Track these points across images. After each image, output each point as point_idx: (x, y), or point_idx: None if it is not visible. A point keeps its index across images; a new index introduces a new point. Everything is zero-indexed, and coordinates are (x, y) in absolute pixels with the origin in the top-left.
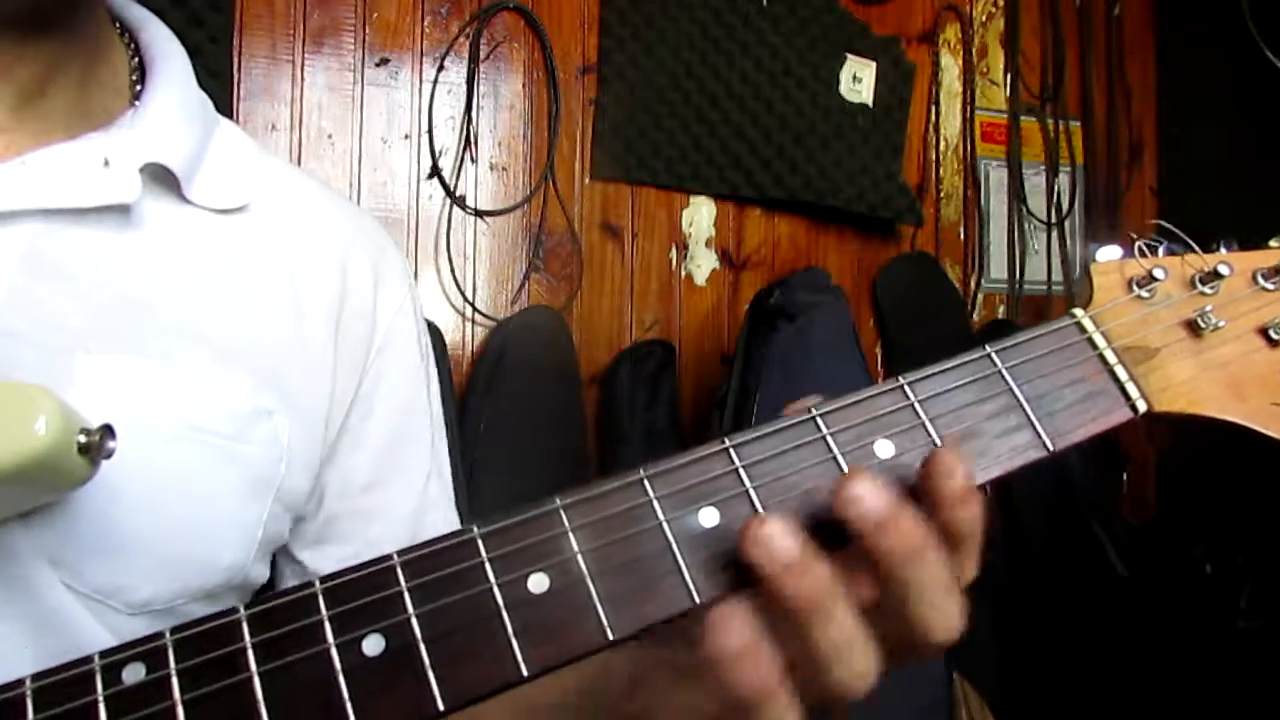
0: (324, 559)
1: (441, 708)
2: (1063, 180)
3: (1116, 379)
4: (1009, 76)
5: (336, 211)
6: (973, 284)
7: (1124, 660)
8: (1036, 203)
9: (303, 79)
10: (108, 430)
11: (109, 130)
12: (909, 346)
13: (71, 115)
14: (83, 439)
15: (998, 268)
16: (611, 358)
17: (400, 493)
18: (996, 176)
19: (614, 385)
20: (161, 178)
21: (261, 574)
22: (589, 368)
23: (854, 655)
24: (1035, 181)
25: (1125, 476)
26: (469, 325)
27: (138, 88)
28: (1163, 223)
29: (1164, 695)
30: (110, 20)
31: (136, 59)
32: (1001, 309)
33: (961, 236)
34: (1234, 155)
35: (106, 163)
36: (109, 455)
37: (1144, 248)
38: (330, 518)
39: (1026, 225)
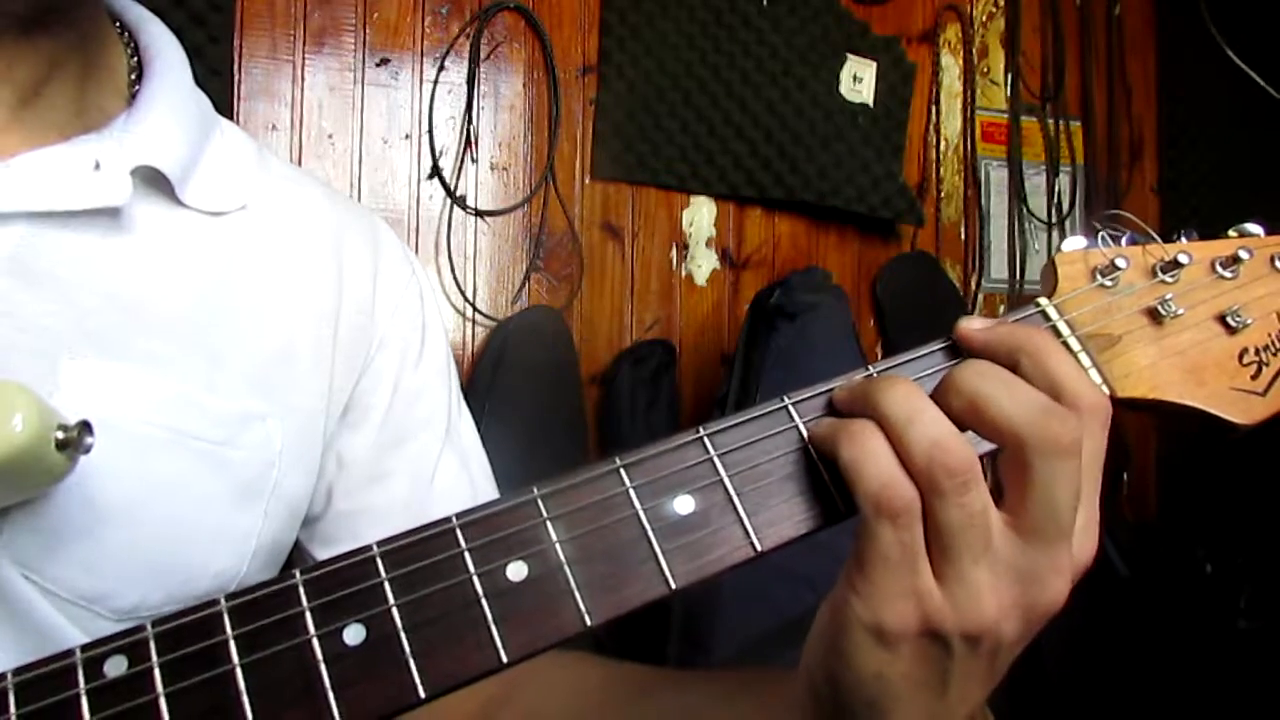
0: None
1: (423, 695)
2: (1063, 180)
3: (1080, 365)
4: (1009, 76)
5: (334, 210)
6: (973, 284)
7: (1124, 660)
8: (1037, 202)
9: (303, 79)
10: (85, 426)
11: (102, 132)
12: (909, 346)
13: (68, 116)
14: (60, 435)
15: (998, 267)
16: (612, 358)
17: (409, 485)
18: (997, 176)
19: (614, 385)
20: (154, 180)
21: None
22: (589, 368)
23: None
24: (1035, 181)
25: (1125, 476)
26: (469, 325)
27: (135, 88)
28: (1124, 213)
29: (1164, 695)
30: (110, 20)
31: (135, 59)
32: (1002, 309)
33: (962, 236)
34: (1234, 155)
35: (97, 165)
36: (87, 451)
37: (1107, 237)
38: (340, 515)
39: (1027, 225)
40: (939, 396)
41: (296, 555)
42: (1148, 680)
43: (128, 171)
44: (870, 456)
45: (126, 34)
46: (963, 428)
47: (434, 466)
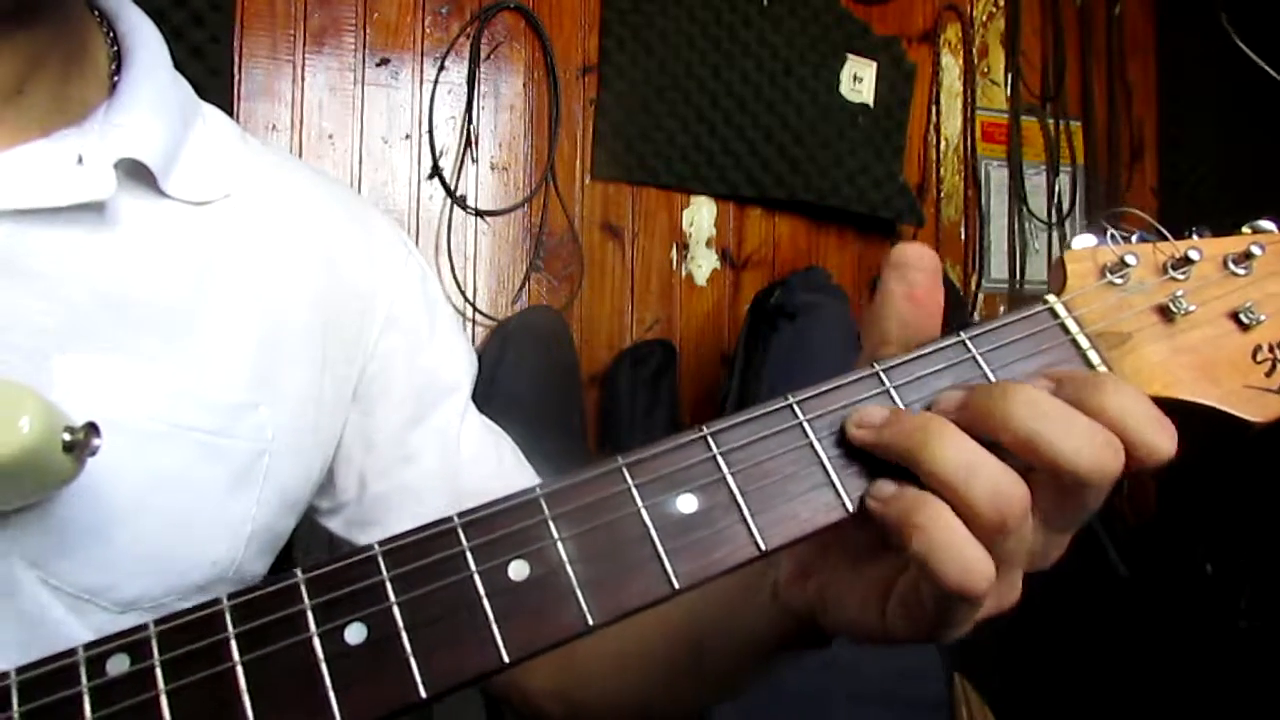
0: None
1: (424, 695)
2: (1063, 180)
3: (1089, 363)
4: (1009, 76)
5: (321, 195)
6: (973, 284)
7: (1125, 660)
8: (1037, 203)
9: (303, 79)
10: (92, 428)
11: (83, 125)
12: None
13: (50, 111)
14: (68, 437)
15: (998, 268)
16: (612, 358)
17: (439, 458)
18: (997, 176)
19: (615, 385)
20: (137, 172)
21: (258, 569)
22: (589, 368)
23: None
24: (1036, 181)
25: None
26: (470, 325)
27: (115, 77)
28: (1133, 209)
29: (1165, 695)
30: (88, 9)
31: (114, 48)
32: (1002, 309)
33: (962, 236)
34: (1234, 155)
35: (80, 159)
36: (94, 453)
37: (1116, 235)
38: (376, 497)
39: (1027, 225)
40: (977, 422)
41: (335, 545)
42: (1148, 680)
43: (110, 165)
44: (943, 549)
45: (105, 22)
46: (1004, 454)
47: (459, 434)
